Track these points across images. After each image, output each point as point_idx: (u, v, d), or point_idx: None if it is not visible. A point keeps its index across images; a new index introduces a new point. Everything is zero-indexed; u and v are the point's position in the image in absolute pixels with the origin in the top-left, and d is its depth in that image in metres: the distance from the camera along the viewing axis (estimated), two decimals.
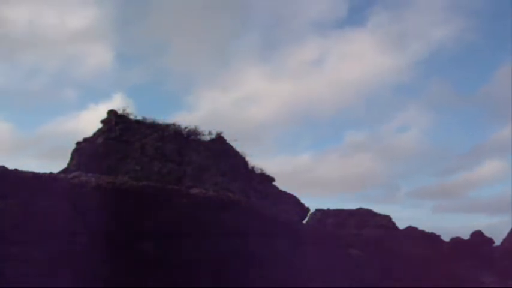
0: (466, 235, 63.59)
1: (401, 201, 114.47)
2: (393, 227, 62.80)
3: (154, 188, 27.28)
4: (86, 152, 34.37)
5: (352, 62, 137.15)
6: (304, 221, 48.12)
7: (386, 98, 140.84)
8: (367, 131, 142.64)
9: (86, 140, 35.59)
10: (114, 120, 35.96)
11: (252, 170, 40.20)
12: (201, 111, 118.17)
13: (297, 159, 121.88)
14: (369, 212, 63.22)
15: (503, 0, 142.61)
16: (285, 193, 43.75)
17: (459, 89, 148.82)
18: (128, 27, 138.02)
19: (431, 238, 62.86)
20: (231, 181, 35.68)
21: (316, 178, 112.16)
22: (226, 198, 29.83)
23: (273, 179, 42.34)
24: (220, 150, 37.32)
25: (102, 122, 36.31)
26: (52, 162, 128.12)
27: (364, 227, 59.62)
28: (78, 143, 35.45)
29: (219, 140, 38.14)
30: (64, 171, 32.65)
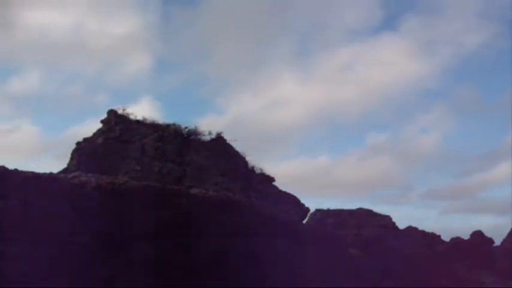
0: (468, 235, 63.58)
1: (413, 202, 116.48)
2: (393, 227, 62.75)
3: (154, 188, 27.28)
4: (86, 152, 34.38)
5: (382, 67, 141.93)
6: (304, 221, 48.13)
7: (411, 102, 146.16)
8: (389, 134, 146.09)
9: (86, 140, 35.60)
10: (114, 120, 35.95)
11: (252, 170, 40.19)
12: (229, 115, 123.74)
13: (317, 161, 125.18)
14: (369, 212, 63.14)
15: None
16: (285, 193, 43.76)
17: (485, 95, 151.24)
18: (170, 33, 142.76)
19: (431, 238, 62.83)
20: (231, 181, 35.66)
21: (334, 179, 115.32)
22: (226, 198, 29.83)
23: (273, 179, 42.35)
24: (220, 150, 37.30)
25: (102, 122, 36.31)
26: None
27: (364, 227, 59.55)
28: (78, 143, 35.44)
29: (219, 140, 38.12)
30: (64, 171, 32.66)
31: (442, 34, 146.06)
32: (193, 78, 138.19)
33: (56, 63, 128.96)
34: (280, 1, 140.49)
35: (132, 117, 36.67)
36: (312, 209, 56.40)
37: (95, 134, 35.83)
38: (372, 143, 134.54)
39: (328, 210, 62.35)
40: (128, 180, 27.48)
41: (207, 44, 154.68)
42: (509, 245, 61.68)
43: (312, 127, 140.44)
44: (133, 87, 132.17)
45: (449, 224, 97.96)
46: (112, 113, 36.39)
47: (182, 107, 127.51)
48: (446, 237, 62.75)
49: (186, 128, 37.05)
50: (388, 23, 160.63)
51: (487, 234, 63.53)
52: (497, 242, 64.06)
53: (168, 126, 36.77)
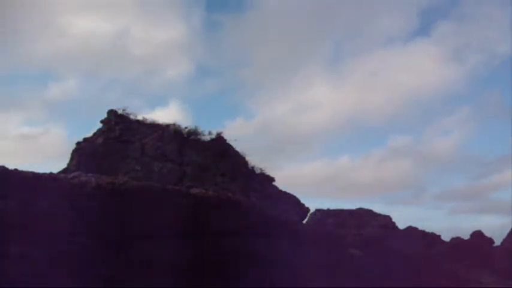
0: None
1: (425, 203, 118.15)
2: (393, 227, 62.81)
3: (154, 188, 27.27)
4: (86, 152, 34.41)
5: (410, 73, 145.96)
6: (304, 221, 48.13)
7: (436, 107, 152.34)
8: (411, 137, 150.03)
9: (86, 140, 35.61)
10: (114, 120, 35.98)
11: (252, 170, 40.20)
12: (258, 118, 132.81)
13: (338, 163, 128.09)
14: (369, 212, 63.26)
15: None
16: (285, 193, 43.76)
17: (510, 100, 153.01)
18: (211, 39, 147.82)
19: (431, 238, 62.87)
20: (231, 181, 35.68)
21: (351, 181, 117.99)
22: (226, 198, 29.82)
23: (273, 179, 42.36)
24: (220, 150, 37.32)
25: (102, 122, 36.32)
26: None
27: (364, 227, 59.62)
28: (78, 143, 35.47)
29: (219, 140, 38.14)
30: (64, 171, 32.67)
31: (473, 41, 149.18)
32: (229, 84, 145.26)
33: (97, 70, 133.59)
34: (320, 9, 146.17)
35: (132, 117, 36.70)
36: (312, 209, 56.51)
37: (95, 134, 35.85)
38: (393, 145, 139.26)
39: (328, 210, 62.44)
40: (128, 180, 27.46)
41: (247, 50, 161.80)
42: (509, 245, 61.75)
43: (336, 130, 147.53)
44: (169, 92, 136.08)
45: (456, 224, 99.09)
46: (112, 113, 36.41)
47: (213, 112, 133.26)
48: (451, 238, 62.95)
49: (186, 128, 37.12)
50: (422, 30, 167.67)
51: (494, 234, 63.70)
52: (498, 242, 64.15)
53: (168, 126, 36.81)
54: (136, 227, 25.07)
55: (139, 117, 36.74)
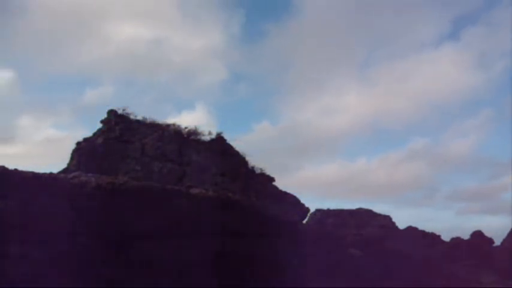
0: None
1: (436, 203, 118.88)
2: (393, 227, 62.77)
3: (154, 188, 27.27)
4: (86, 152, 34.36)
5: (435, 77, 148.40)
6: (304, 221, 48.13)
7: (457, 110, 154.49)
8: (429, 139, 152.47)
9: (86, 140, 35.56)
10: (114, 120, 35.92)
11: (252, 170, 40.17)
12: (283, 122, 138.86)
13: (355, 164, 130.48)
14: (369, 212, 63.22)
15: None
16: (285, 193, 43.75)
17: None
18: (249, 46, 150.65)
19: (431, 238, 62.85)
20: (231, 181, 35.65)
21: (366, 182, 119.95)
22: (226, 198, 29.82)
23: (273, 179, 42.33)
24: (220, 150, 37.28)
25: (102, 122, 36.26)
26: None
27: (364, 227, 59.60)
28: (78, 143, 35.41)
29: (219, 140, 38.09)
30: (64, 171, 32.64)
31: (499, 46, 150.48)
32: (260, 89, 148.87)
33: (133, 75, 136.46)
34: (357, 17, 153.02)
35: (132, 117, 36.64)
36: (312, 209, 56.51)
37: (95, 134, 35.80)
38: (411, 147, 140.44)
39: (328, 210, 62.42)
40: (128, 180, 27.46)
41: (283, 56, 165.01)
42: (509, 245, 61.73)
43: (358, 133, 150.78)
44: (199, 97, 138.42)
45: (462, 224, 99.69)
46: (112, 113, 36.35)
47: (240, 115, 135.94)
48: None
49: (186, 128, 37.04)
50: (452, 35, 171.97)
51: (499, 234, 63.81)
52: (498, 242, 64.17)
53: (168, 126, 36.74)
54: (136, 227, 25.07)
55: (139, 117, 36.70)
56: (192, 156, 35.65)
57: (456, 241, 63.64)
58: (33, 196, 23.08)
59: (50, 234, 22.39)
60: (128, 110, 36.69)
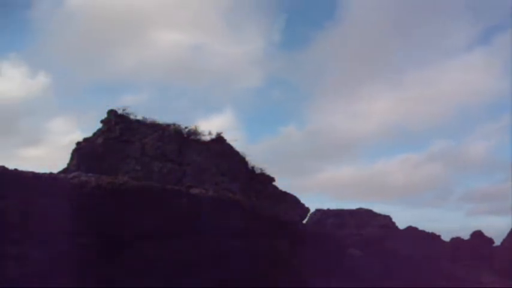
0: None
1: (448, 204, 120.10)
2: (393, 227, 62.72)
3: (154, 188, 27.27)
4: (86, 152, 34.35)
5: (465, 81, 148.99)
6: (304, 221, 48.12)
7: (481, 114, 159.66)
8: (450, 142, 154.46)
9: (86, 140, 35.55)
10: (114, 120, 35.91)
11: (252, 170, 40.18)
12: (310, 125, 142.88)
13: (374, 167, 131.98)
14: (369, 212, 63.17)
15: None
16: (285, 193, 43.74)
17: None
18: (287, 52, 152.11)
19: (431, 238, 62.83)
20: (231, 181, 35.66)
21: (383, 183, 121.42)
22: (226, 198, 29.83)
23: (273, 179, 42.33)
24: (220, 150, 37.28)
25: (102, 122, 36.25)
26: None
27: (364, 227, 59.56)
28: (78, 143, 35.39)
29: (219, 140, 38.09)
30: (64, 171, 32.64)
31: None
32: (293, 94, 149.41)
33: (170, 81, 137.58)
34: (395, 23, 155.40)
35: (132, 117, 36.62)
36: (312, 209, 56.48)
37: (95, 134, 35.79)
38: (432, 149, 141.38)
39: (328, 210, 62.39)
40: (128, 180, 27.45)
41: (319, 62, 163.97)
42: (509, 245, 61.71)
43: (381, 136, 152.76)
44: (231, 102, 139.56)
45: (472, 225, 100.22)
46: (112, 113, 36.33)
47: (268, 119, 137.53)
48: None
49: (186, 128, 37.03)
50: (482, 39, 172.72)
51: (500, 234, 63.82)
52: (498, 242, 64.14)
53: (168, 126, 36.73)
54: (136, 227, 25.07)
55: (139, 117, 36.68)
56: (192, 156, 35.65)
57: (456, 241, 63.64)
58: (33, 196, 23.07)
59: (50, 234, 22.38)
60: (128, 110, 36.70)
